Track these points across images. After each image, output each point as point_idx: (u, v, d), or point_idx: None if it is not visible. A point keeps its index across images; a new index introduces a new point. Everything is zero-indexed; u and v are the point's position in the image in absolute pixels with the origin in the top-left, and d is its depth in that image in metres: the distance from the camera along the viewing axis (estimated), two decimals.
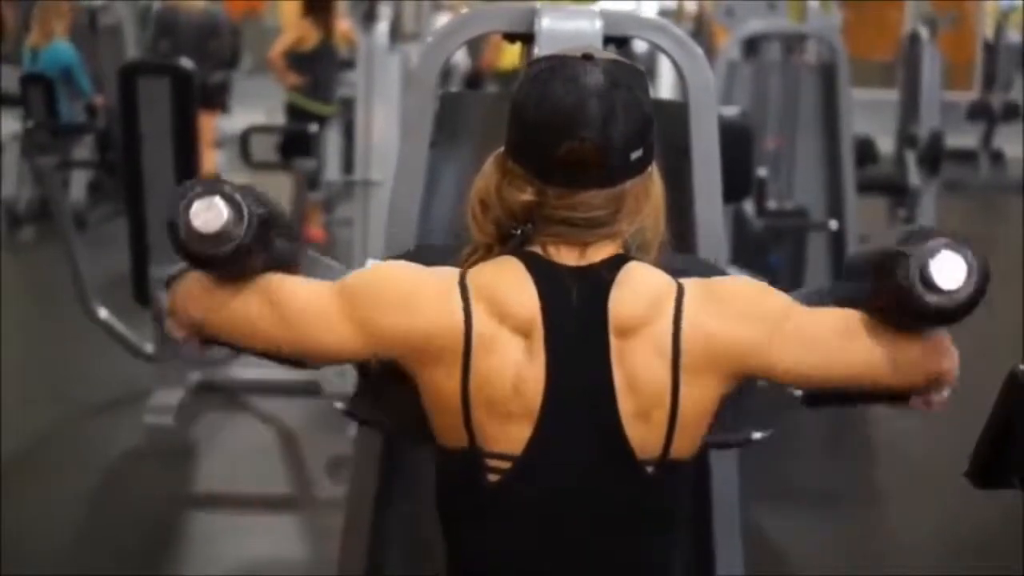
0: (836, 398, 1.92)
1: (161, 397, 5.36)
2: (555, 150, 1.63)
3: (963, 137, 12.24)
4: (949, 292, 1.62)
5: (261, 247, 1.67)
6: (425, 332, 1.67)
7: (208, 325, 1.74)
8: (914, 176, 8.62)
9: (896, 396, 1.80)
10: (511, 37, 2.44)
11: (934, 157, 8.26)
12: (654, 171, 1.74)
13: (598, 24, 2.32)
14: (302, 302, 1.71)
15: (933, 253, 1.62)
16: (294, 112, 8.39)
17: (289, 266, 1.78)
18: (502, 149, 1.73)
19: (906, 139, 8.66)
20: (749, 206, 5.76)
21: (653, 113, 1.69)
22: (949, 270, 1.62)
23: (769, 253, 5.67)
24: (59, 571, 4.12)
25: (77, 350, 6.36)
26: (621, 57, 1.71)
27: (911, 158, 8.57)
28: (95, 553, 4.29)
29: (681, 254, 2.05)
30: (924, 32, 8.11)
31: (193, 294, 1.74)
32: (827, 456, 5.43)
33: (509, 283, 1.68)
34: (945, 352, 1.74)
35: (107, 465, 5.12)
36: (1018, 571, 3.83)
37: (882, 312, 1.70)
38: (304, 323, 1.70)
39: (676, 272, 1.74)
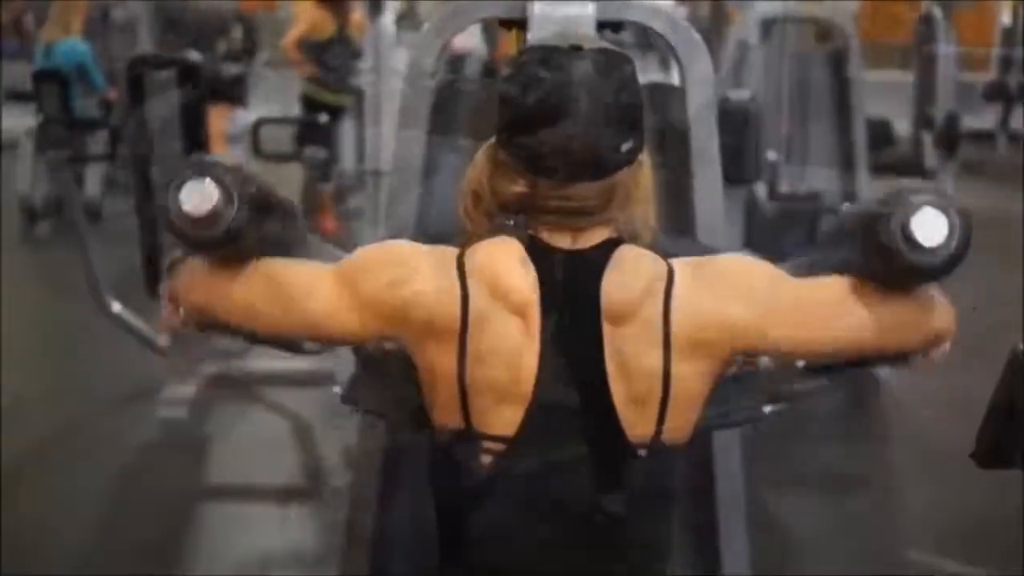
0: (837, 364, 1.90)
1: (175, 390, 5.37)
2: (545, 144, 1.62)
3: (980, 118, 12.17)
4: (931, 249, 1.61)
5: (254, 228, 1.67)
6: (422, 304, 1.66)
7: (209, 310, 1.74)
8: (931, 157, 8.59)
9: (896, 357, 1.79)
10: (506, 23, 2.43)
11: (951, 138, 8.22)
12: (645, 161, 1.73)
13: (591, 9, 2.31)
14: (303, 283, 1.71)
15: (914, 211, 1.62)
16: (309, 103, 8.38)
17: (290, 250, 1.78)
18: (493, 140, 1.72)
19: (923, 121, 8.62)
20: (761, 190, 5.74)
21: (643, 102, 1.68)
22: (930, 227, 1.61)
23: (782, 238, 5.63)
24: (73, 563, 4.13)
25: (91, 344, 6.38)
26: (610, 45, 1.69)
27: (928, 140, 8.54)
28: (109, 544, 4.30)
29: (678, 238, 2.04)
30: (938, 13, 8.07)
31: (194, 279, 1.74)
32: (837, 442, 5.39)
33: (507, 264, 1.68)
34: (939, 309, 1.73)
35: (121, 458, 5.12)
36: (1018, 571, 3.80)
37: (871, 274, 1.68)
38: (305, 304, 1.70)
39: (671, 257, 1.73)
